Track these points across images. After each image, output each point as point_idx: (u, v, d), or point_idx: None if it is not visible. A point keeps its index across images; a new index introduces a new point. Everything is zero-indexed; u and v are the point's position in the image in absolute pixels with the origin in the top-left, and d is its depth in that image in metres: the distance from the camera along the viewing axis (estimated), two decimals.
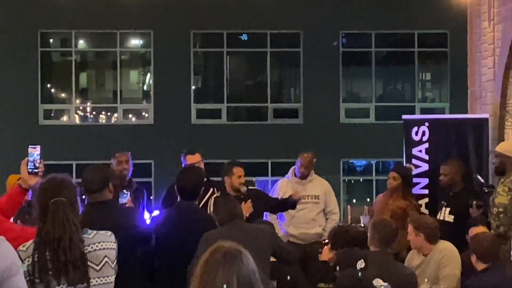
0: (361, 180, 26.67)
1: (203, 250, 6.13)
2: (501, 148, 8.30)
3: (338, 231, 7.37)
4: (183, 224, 6.50)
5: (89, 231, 4.26)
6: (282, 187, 9.70)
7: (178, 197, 6.80)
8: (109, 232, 4.31)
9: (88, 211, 5.61)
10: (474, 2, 10.56)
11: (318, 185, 9.75)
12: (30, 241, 4.21)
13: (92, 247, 4.20)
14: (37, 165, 4.81)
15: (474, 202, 8.32)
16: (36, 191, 4.43)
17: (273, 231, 6.65)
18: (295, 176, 9.71)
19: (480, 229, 7.48)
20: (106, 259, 4.22)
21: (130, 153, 9.34)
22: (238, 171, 8.72)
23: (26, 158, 4.89)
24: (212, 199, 8.21)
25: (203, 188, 6.95)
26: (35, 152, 4.85)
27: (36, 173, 4.77)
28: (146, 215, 9.00)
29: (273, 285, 6.94)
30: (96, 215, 5.49)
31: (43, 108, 25.45)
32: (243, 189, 8.57)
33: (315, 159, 9.78)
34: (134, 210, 6.96)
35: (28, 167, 4.84)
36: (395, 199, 9.17)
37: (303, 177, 9.66)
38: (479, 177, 9.02)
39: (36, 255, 4.12)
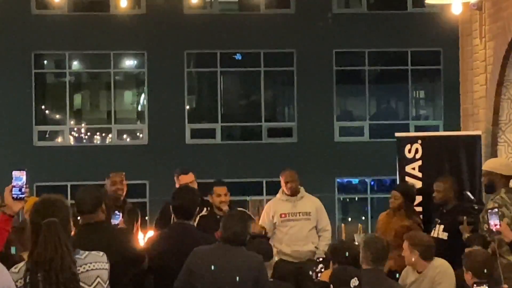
0: (356, 198, 26.68)
1: (192, 263, 6.14)
2: (487, 166, 8.31)
3: (338, 246, 7.35)
4: (179, 244, 6.49)
5: (81, 252, 4.26)
6: (273, 206, 9.69)
7: (173, 217, 6.78)
8: (101, 253, 4.30)
9: (81, 232, 5.62)
10: (465, 19, 10.60)
11: (309, 202, 9.75)
12: (22, 263, 4.21)
13: (84, 268, 4.20)
14: (22, 190, 4.63)
15: (465, 218, 8.33)
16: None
17: (263, 267, 6.47)
18: (285, 194, 9.70)
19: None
20: (98, 279, 4.22)
21: (124, 173, 9.33)
22: (218, 190, 8.68)
23: (11, 185, 4.69)
24: (198, 218, 8.20)
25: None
26: (20, 176, 4.68)
27: (21, 199, 4.60)
28: (140, 236, 8.99)
29: None
30: (88, 236, 5.49)
31: (37, 129, 25.45)
32: (225, 208, 8.53)
33: (297, 175, 9.78)
34: (126, 231, 6.96)
35: (13, 192, 4.62)
36: (399, 218, 9.16)
37: (294, 193, 9.65)
38: (469, 193, 9.03)
39: (28, 277, 4.11)
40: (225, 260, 6.08)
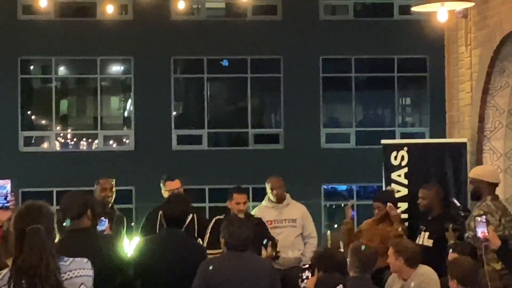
0: (342, 205, 26.68)
1: (207, 274, 6.14)
2: (474, 173, 8.34)
3: (323, 254, 7.36)
4: (170, 250, 6.50)
5: (65, 258, 4.24)
6: (259, 213, 9.69)
7: (159, 224, 6.79)
8: (85, 259, 4.29)
9: (66, 238, 5.60)
10: (451, 27, 10.65)
11: (295, 209, 9.75)
12: (6, 269, 4.19)
13: (68, 275, 4.19)
14: (7, 198, 4.66)
15: (451, 225, 8.36)
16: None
17: (275, 271, 6.56)
18: (271, 201, 9.70)
19: (455, 255, 7.49)
20: (82, 286, 4.21)
21: (114, 180, 9.33)
22: (238, 197, 8.67)
23: None
24: (213, 220, 8.20)
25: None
26: (4, 185, 4.69)
27: (7, 208, 4.62)
28: (126, 242, 8.97)
29: None
30: (74, 242, 5.48)
31: (23, 135, 25.38)
32: (240, 216, 8.53)
33: (283, 182, 9.80)
34: (112, 237, 6.94)
35: None
36: (384, 225, 9.21)
37: (280, 200, 9.66)
38: (455, 201, 9.06)
39: (12, 284, 4.09)
40: (241, 267, 6.11)
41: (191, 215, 8.42)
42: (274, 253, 8.48)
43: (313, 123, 25.70)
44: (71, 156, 25.38)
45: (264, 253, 8.41)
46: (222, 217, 8.53)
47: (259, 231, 8.66)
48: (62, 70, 26.74)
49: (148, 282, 6.45)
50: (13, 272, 4.11)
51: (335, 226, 25.09)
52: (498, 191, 8.33)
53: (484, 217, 6.71)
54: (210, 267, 6.18)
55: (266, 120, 27.30)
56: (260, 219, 9.01)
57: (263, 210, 9.71)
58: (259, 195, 9.40)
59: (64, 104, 26.98)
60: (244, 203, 8.68)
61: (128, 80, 26.16)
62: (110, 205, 9.20)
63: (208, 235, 8.34)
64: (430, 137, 23.43)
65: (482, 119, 9.97)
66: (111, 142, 26.17)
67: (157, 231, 8.10)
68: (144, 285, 6.46)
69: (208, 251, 7.91)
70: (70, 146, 26.17)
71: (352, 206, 9.73)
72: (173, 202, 6.87)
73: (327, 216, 26.11)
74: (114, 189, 9.27)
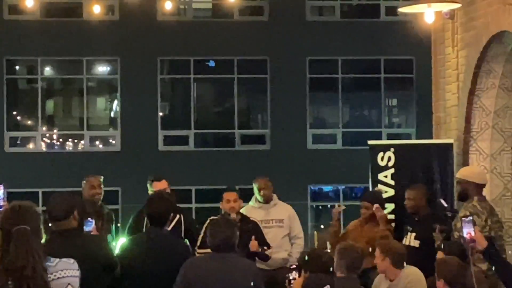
0: (328, 205, 26.72)
1: (188, 274, 6.12)
2: (461, 174, 8.37)
3: (310, 254, 7.36)
4: (153, 250, 6.50)
5: (52, 259, 4.24)
6: (246, 214, 9.68)
7: (146, 225, 6.78)
8: (72, 260, 4.29)
9: (52, 239, 5.59)
10: (438, 28, 10.68)
11: (282, 209, 9.76)
12: None
13: (55, 275, 4.18)
14: (0, 203, 4.65)
15: (438, 226, 8.38)
16: None
17: (258, 273, 6.52)
18: (258, 201, 9.71)
19: (441, 254, 7.51)
20: (69, 287, 4.20)
21: (102, 177, 9.32)
22: (227, 195, 8.72)
23: None
24: (208, 220, 8.22)
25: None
26: None
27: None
28: (113, 242, 8.95)
29: None
30: (60, 243, 5.47)
31: (9, 135, 25.29)
32: (233, 216, 8.52)
33: (270, 182, 9.81)
34: (99, 238, 6.93)
35: None
36: (371, 226, 9.23)
37: (267, 200, 9.66)
38: (442, 201, 9.08)
39: None
40: (222, 268, 6.08)
41: (178, 215, 8.47)
42: (260, 249, 8.47)
43: (300, 124, 25.71)
44: (57, 157, 25.30)
45: (252, 245, 8.43)
46: (217, 217, 8.53)
47: (254, 234, 8.68)
48: (48, 70, 26.66)
49: (133, 281, 6.44)
50: (0, 273, 4.10)
51: (322, 226, 25.09)
52: (485, 191, 8.36)
53: (470, 217, 6.72)
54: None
55: (253, 120, 27.30)
56: (255, 221, 9.02)
57: (250, 211, 9.71)
58: (245, 196, 9.36)
59: (50, 104, 26.90)
60: (235, 200, 8.70)
61: (114, 80, 26.11)
62: (99, 202, 9.20)
63: (202, 235, 8.33)
64: (417, 138, 23.48)
65: (468, 120, 10.01)
66: (97, 142, 26.11)
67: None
68: (129, 284, 6.45)
69: (200, 251, 7.94)
70: (56, 147, 26.09)
71: (339, 212, 9.73)
72: (155, 201, 6.86)
73: (313, 216, 26.12)
74: (102, 186, 9.27)
